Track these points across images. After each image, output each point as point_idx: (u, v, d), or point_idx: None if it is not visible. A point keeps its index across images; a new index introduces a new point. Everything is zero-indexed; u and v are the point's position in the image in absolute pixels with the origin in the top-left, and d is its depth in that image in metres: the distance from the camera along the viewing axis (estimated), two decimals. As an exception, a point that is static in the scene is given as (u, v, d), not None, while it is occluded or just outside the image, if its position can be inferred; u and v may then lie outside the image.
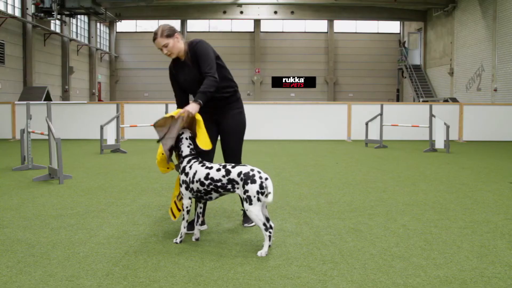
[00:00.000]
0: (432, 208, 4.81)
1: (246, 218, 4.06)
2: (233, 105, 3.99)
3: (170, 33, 3.73)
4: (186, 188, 3.52)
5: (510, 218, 4.39)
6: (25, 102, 11.24)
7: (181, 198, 3.68)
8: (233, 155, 4.01)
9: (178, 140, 3.63)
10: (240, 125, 4.02)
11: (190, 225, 3.85)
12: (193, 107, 3.53)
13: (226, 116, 3.96)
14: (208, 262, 3.19)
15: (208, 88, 3.61)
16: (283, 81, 35.72)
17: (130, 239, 3.69)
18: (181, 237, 3.59)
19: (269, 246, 3.38)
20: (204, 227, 4.01)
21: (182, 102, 3.91)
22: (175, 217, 3.78)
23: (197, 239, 3.67)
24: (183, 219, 3.60)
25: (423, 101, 27.37)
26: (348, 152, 10.40)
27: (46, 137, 7.20)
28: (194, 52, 3.76)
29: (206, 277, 2.91)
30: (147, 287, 2.77)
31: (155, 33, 3.74)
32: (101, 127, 9.93)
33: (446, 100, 23.99)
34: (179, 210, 3.75)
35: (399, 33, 36.10)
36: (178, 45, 3.77)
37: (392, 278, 2.90)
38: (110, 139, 10.05)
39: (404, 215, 4.49)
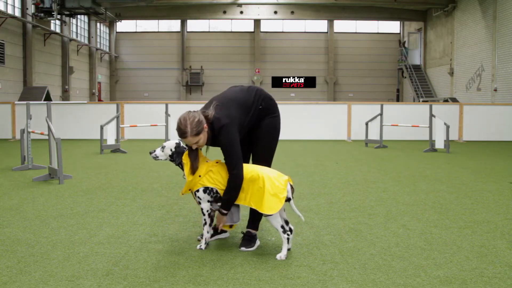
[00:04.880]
0: (432, 208, 4.81)
1: (245, 242, 3.51)
2: (269, 112, 3.63)
3: (200, 129, 3.24)
4: (204, 191, 3.37)
5: (510, 218, 4.39)
6: (25, 102, 11.25)
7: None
8: (261, 161, 3.60)
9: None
10: (271, 128, 3.60)
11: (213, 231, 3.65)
12: (222, 219, 3.39)
13: (260, 124, 3.59)
14: (208, 262, 3.19)
15: (233, 196, 3.31)
16: (283, 81, 35.69)
17: (130, 239, 3.69)
18: (206, 243, 3.45)
19: (289, 249, 3.34)
20: (226, 234, 3.76)
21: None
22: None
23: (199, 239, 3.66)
24: (205, 223, 3.44)
25: (423, 101, 27.36)
26: (348, 152, 10.40)
27: (46, 137, 7.20)
28: (216, 138, 3.36)
29: (206, 277, 2.91)
30: (147, 287, 2.77)
31: (184, 132, 3.23)
32: (101, 127, 9.93)
33: (446, 100, 23.99)
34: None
35: (399, 33, 36.08)
36: (207, 135, 3.33)
37: (392, 278, 2.90)
38: (110, 139, 10.05)
39: (404, 215, 4.49)
